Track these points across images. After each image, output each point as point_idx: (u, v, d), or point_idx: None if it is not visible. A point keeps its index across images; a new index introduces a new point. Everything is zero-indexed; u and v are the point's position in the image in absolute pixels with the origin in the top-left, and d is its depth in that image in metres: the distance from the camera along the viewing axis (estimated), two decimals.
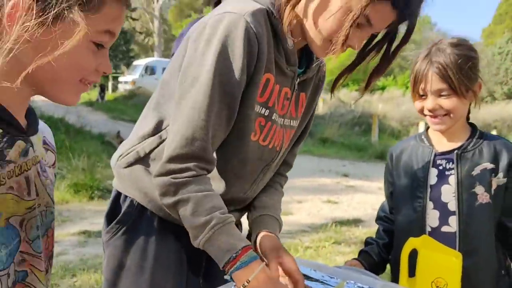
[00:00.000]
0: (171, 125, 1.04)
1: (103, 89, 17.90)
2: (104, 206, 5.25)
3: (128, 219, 1.15)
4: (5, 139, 0.74)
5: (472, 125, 1.45)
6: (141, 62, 22.12)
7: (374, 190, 7.09)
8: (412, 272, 1.19)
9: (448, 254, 1.17)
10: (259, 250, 1.13)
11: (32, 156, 0.80)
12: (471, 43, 1.39)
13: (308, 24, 1.04)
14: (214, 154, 1.07)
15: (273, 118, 1.10)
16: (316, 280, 1.12)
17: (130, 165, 1.14)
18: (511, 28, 38.65)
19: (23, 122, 0.79)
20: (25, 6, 0.67)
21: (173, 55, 2.43)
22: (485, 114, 20.75)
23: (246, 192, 1.19)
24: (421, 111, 1.40)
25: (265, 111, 1.08)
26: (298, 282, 1.04)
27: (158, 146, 1.10)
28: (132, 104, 16.03)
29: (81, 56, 0.74)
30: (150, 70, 21.05)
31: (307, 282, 1.07)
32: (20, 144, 0.77)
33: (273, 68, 1.06)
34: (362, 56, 1.12)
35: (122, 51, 28.36)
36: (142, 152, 1.12)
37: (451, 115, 1.36)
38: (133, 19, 28.12)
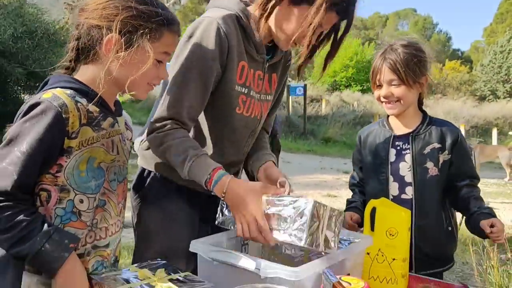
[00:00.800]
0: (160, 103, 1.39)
1: None
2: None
3: (151, 188, 1.51)
4: (101, 115, 1.17)
5: (424, 113, 1.80)
6: None
7: None
8: (373, 227, 1.53)
9: (399, 210, 1.51)
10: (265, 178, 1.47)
11: (117, 129, 1.24)
12: (420, 45, 1.72)
13: (275, 28, 1.41)
14: (192, 122, 1.41)
15: (251, 94, 1.48)
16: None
17: (149, 148, 1.48)
18: None
19: (112, 108, 1.26)
20: (116, 41, 1.13)
21: None
22: (487, 112, 20.98)
23: (239, 155, 1.56)
24: (378, 98, 1.76)
25: (244, 90, 1.46)
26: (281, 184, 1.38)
27: None
28: (139, 108, 16.41)
29: (149, 70, 1.17)
30: None
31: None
32: (109, 119, 1.21)
33: (245, 57, 1.44)
34: (315, 48, 1.46)
35: None
36: None
37: (401, 101, 1.70)
38: None
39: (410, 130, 1.76)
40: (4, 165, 1.03)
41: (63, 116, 1.08)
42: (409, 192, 1.72)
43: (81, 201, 1.14)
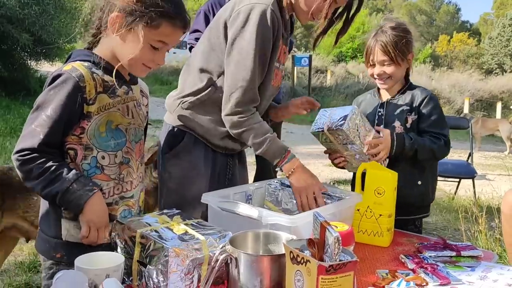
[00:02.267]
0: (228, 83, 1.58)
1: None
2: None
3: (185, 145, 1.71)
4: (116, 83, 1.36)
5: (408, 82, 1.99)
6: None
7: None
8: (363, 187, 1.72)
9: (387, 171, 1.69)
10: None
11: (131, 96, 1.43)
12: (406, 26, 1.93)
13: (296, 3, 1.62)
14: None
15: (280, 67, 1.72)
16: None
17: (191, 108, 1.68)
18: None
19: (127, 76, 1.43)
20: (116, 19, 1.28)
21: (194, 31, 2.91)
22: (492, 86, 20.86)
23: (265, 118, 1.80)
24: (372, 75, 1.97)
25: (278, 65, 1.69)
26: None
27: (212, 94, 1.65)
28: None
29: (143, 52, 1.32)
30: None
31: None
32: (124, 87, 1.41)
33: (283, 36, 1.64)
34: (331, 22, 1.69)
35: None
36: (202, 99, 1.66)
37: (392, 77, 1.93)
38: None
39: (389, 97, 1.99)
40: (33, 127, 1.27)
41: (81, 85, 1.28)
42: None
43: (103, 158, 1.35)
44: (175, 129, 1.73)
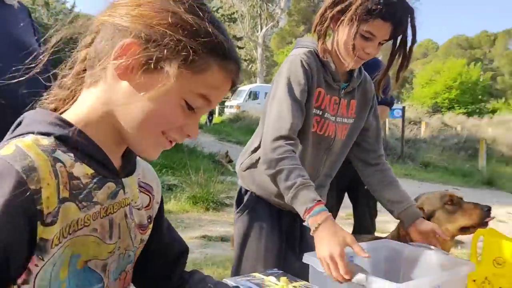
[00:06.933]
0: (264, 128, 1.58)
1: (211, 113, 19.31)
2: (218, 216, 5.95)
3: (249, 204, 1.75)
4: (95, 180, 0.74)
5: None
6: (245, 88, 23.55)
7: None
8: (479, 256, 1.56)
9: (506, 239, 1.52)
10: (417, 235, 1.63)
11: (122, 199, 0.80)
12: None
13: (335, 49, 1.60)
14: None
15: (325, 116, 1.64)
16: None
17: (247, 168, 1.74)
18: None
19: (118, 163, 0.80)
20: (134, 50, 0.72)
21: None
22: None
23: (317, 174, 1.71)
24: None
25: (319, 112, 1.63)
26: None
27: None
28: (237, 127, 17.10)
29: (169, 108, 0.74)
30: (253, 95, 22.41)
31: None
32: (110, 185, 0.77)
33: (323, 84, 1.62)
34: (390, 61, 1.61)
35: None
36: (254, 159, 1.71)
37: None
38: (239, 48, 29.95)
39: None
40: None
41: (30, 186, 0.65)
42: None
43: None
44: (242, 189, 1.79)
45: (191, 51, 0.72)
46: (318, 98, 1.62)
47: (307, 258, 1.41)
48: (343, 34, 1.54)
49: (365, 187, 1.84)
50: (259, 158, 1.66)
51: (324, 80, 1.63)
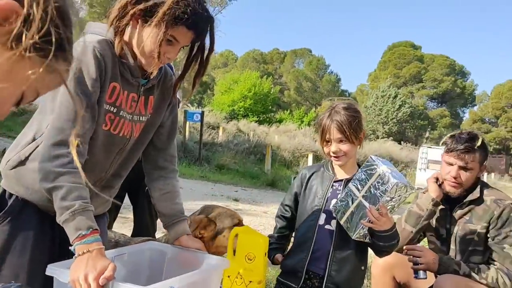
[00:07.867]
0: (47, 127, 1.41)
1: None
2: None
3: (12, 210, 1.51)
4: None
5: (358, 165, 2.06)
6: None
7: (259, 213, 7.72)
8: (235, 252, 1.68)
9: (258, 236, 1.68)
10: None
11: None
12: (356, 107, 2.05)
13: (135, 48, 1.49)
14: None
15: (121, 114, 1.55)
16: None
17: (14, 167, 1.51)
18: (393, 75, 43.29)
19: None
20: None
21: None
22: (366, 149, 23.03)
23: (107, 170, 1.61)
24: (328, 154, 2.01)
25: (113, 109, 1.52)
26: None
27: (35, 149, 1.48)
28: (21, 121, 15.21)
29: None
30: None
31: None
32: None
33: (119, 79, 1.51)
34: (187, 67, 1.59)
35: None
36: (23, 156, 1.49)
37: (347, 155, 1.98)
38: None
39: (347, 177, 2.03)
40: None
41: None
42: (333, 224, 1.97)
43: None
44: (6, 192, 1.55)
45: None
46: (113, 93, 1.50)
47: (51, 269, 1.29)
48: (147, 37, 1.44)
49: (147, 188, 1.80)
50: (31, 154, 1.46)
51: (120, 74, 1.51)
